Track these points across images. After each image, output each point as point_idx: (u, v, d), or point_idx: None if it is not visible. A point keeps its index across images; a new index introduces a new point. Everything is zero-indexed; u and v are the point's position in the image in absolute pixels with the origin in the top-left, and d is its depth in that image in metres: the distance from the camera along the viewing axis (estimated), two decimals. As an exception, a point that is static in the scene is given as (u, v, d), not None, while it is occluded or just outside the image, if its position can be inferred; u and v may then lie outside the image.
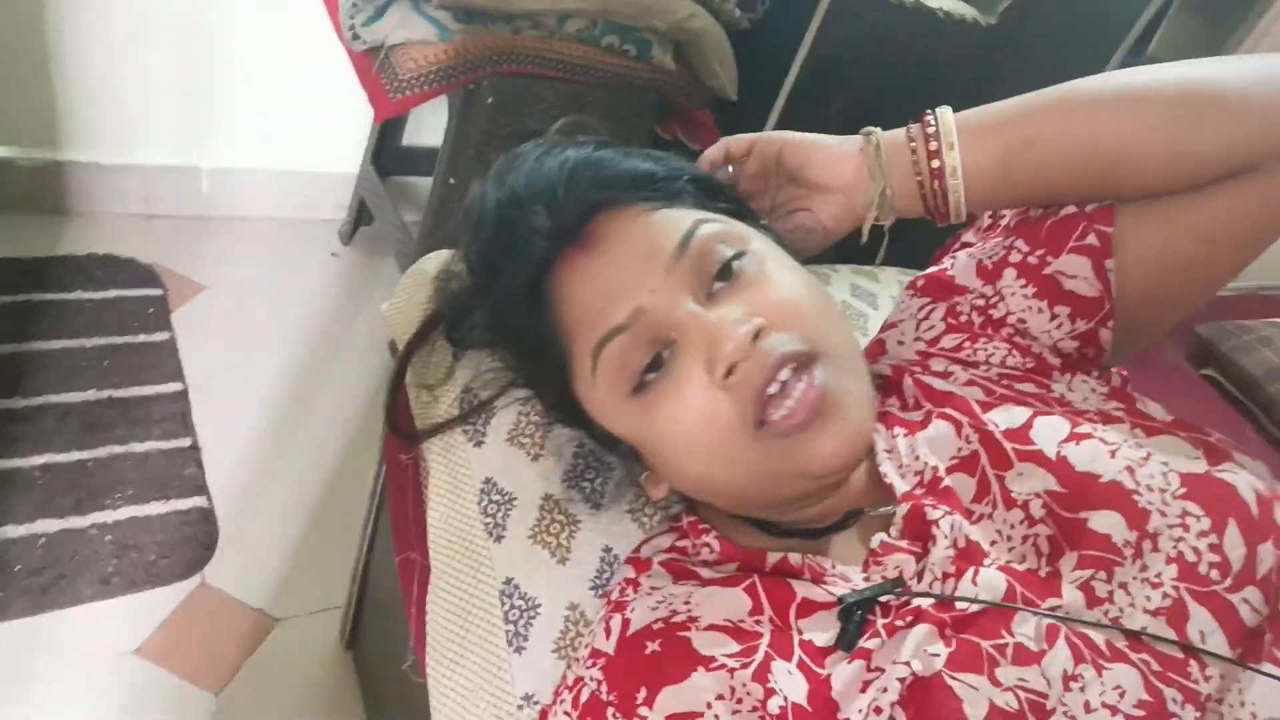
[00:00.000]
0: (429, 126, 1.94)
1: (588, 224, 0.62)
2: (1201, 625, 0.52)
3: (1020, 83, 1.82)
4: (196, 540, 1.33)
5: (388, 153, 1.91)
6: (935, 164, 0.64)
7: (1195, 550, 0.52)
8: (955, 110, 0.67)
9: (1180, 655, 0.51)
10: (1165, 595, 0.52)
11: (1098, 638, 0.52)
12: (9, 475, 1.32)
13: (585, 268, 0.62)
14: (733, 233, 0.61)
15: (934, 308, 0.72)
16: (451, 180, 1.51)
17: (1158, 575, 0.53)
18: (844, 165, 0.67)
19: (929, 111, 0.66)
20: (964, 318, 0.70)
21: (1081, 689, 0.50)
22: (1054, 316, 0.66)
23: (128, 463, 1.39)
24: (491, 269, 0.66)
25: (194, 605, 1.26)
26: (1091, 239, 0.65)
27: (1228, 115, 0.58)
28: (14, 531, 1.25)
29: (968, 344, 0.69)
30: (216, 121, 1.85)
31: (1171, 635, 0.51)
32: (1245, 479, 0.54)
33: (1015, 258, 0.68)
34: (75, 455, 1.38)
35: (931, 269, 0.74)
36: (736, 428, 0.56)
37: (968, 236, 0.75)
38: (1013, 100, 0.65)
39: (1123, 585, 0.53)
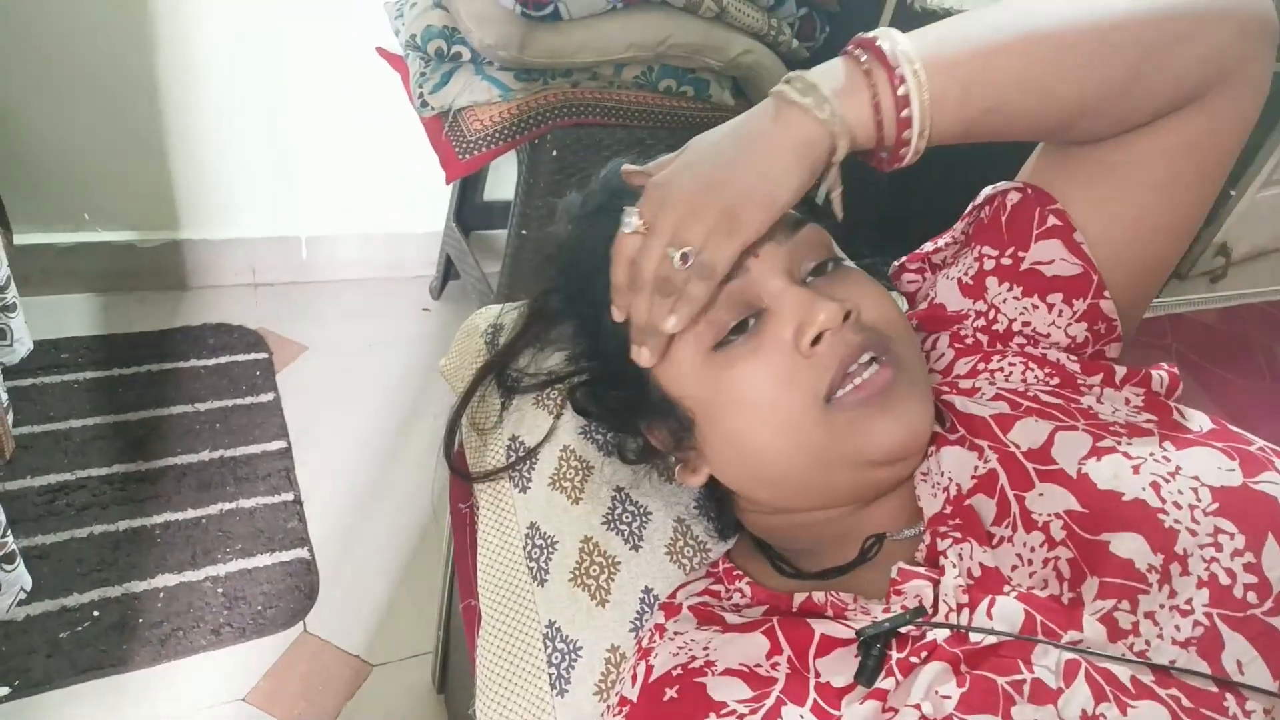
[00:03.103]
0: (507, 181, 2.01)
1: None
2: (1239, 654, 0.47)
3: None
4: (299, 590, 1.40)
5: (469, 209, 1.99)
6: (904, 152, 0.56)
7: (1229, 571, 0.48)
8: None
9: (1215, 689, 0.47)
10: (1196, 624, 0.48)
11: (1122, 674, 0.48)
12: (135, 534, 1.43)
13: None
14: (832, 243, 0.64)
15: (937, 337, 0.71)
16: (524, 231, 1.56)
17: (1188, 602, 0.48)
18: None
19: (876, 40, 0.54)
20: (970, 340, 0.69)
21: None
22: (1050, 307, 0.65)
23: (237, 518, 1.49)
24: (590, 221, 0.66)
25: (296, 652, 1.32)
26: (1052, 220, 0.63)
27: (1188, 49, 0.55)
28: (138, 587, 1.35)
29: (981, 365, 0.67)
30: (310, 193, 1.97)
31: (1204, 667, 0.47)
32: None
33: (989, 265, 0.67)
34: (191, 513, 1.48)
35: (921, 306, 0.73)
36: (809, 398, 0.57)
37: (908, 270, 0.76)
38: (966, 36, 0.55)
39: (1149, 615, 0.49)
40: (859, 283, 0.62)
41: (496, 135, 1.40)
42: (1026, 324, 0.66)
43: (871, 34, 0.55)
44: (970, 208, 0.71)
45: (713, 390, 0.60)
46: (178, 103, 1.75)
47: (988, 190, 0.69)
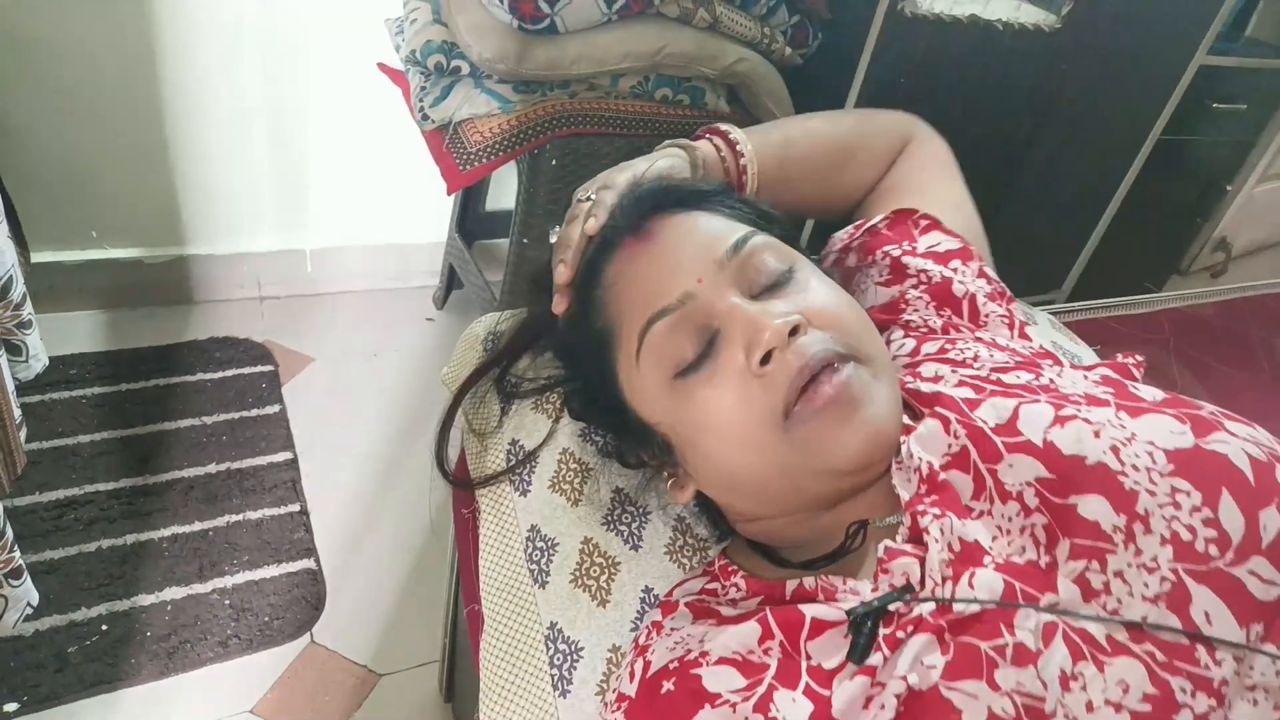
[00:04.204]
0: (509, 191, 2.02)
1: (647, 217, 0.67)
2: (1206, 606, 0.49)
3: (1088, 87, 1.81)
4: (305, 601, 1.41)
5: (472, 219, 2.00)
6: (742, 162, 0.82)
7: (1189, 528, 0.50)
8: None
9: (1186, 641, 0.49)
10: (1163, 579, 0.50)
11: (1097, 632, 0.50)
12: (142, 547, 1.43)
13: (642, 254, 0.66)
14: (784, 250, 0.66)
15: (889, 334, 0.75)
16: (525, 240, 1.57)
17: (1153, 559, 0.50)
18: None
19: (724, 128, 0.84)
20: (923, 328, 0.73)
21: (1083, 688, 0.49)
22: (955, 270, 0.77)
23: (244, 530, 1.50)
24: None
25: (304, 663, 1.33)
26: (923, 221, 0.81)
27: (876, 139, 0.92)
28: (145, 600, 1.36)
29: (948, 346, 0.70)
30: (314, 206, 1.99)
31: (1174, 621, 0.49)
32: (1238, 446, 0.52)
33: (896, 251, 0.79)
34: (198, 526, 1.49)
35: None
36: (767, 417, 0.59)
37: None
38: (775, 123, 0.91)
39: (1118, 574, 0.51)
40: (814, 289, 0.63)
41: (496, 147, 1.41)
42: (953, 272, 0.76)
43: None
44: (830, 253, 0.86)
45: (679, 417, 0.63)
46: (182, 120, 1.77)
47: (840, 234, 0.86)
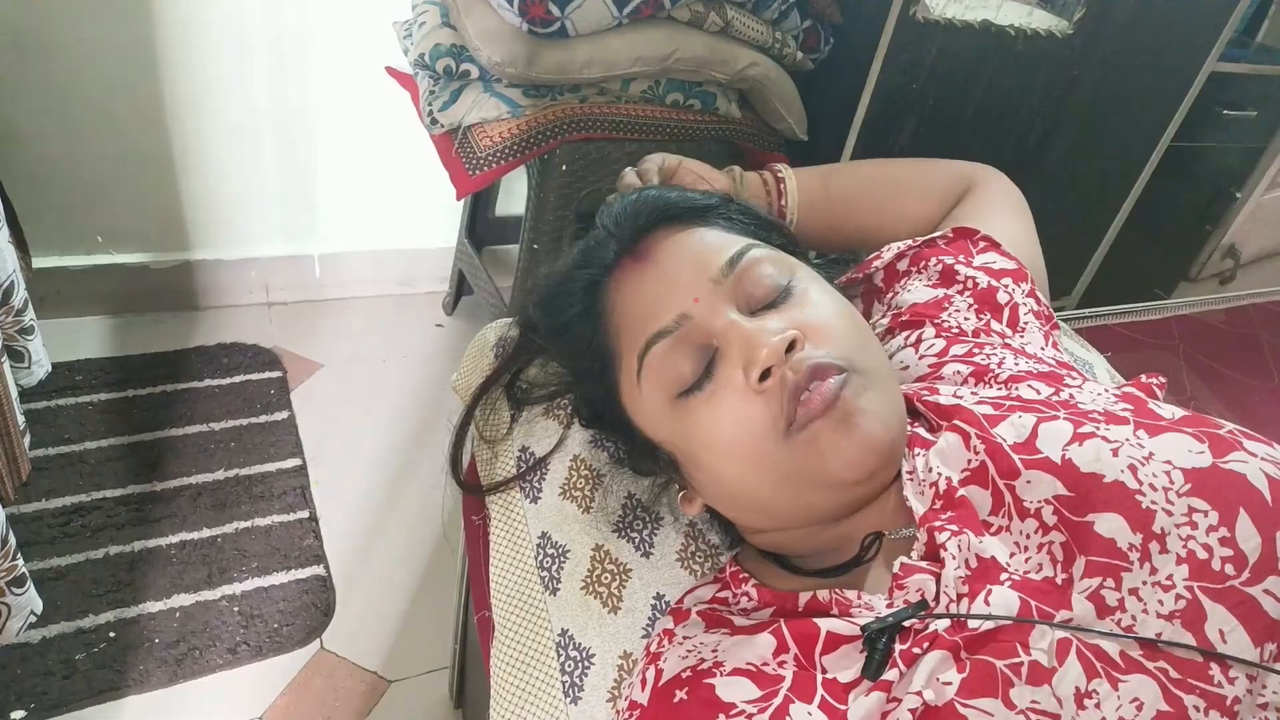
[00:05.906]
0: (519, 196, 2.02)
1: (644, 237, 0.68)
2: (1220, 624, 0.49)
3: (1101, 93, 1.81)
4: (315, 607, 1.40)
5: (481, 225, 2.00)
6: (780, 175, 0.90)
7: (1206, 547, 0.50)
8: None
9: (1200, 659, 0.49)
10: (1178, 597, 0.50)
11: (1111, 649, 0.50)
12: (150, 554, 1.43)
13: (639, 275, 0.66)
14: (782, 261, 0.65)
15: (921, 332, 0.75)
16: (535, 246, 1.56)
17: (1168, 577, 0.50)
18: (716, 182, 0.89)
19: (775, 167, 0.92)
20: (955, 329, 0.73)
21: (1097, 705, 0.48)
22: (1004, 287, 0.77)
23: (253, 536, 1.49)
24: (561, 281, 0.73)
25: (313, 669, 1.32)
26: (982, 242, 0.80)
27: (934, 177, 0.93)
28: (154, 606, 1.35)
29: (976, 350, 0.70)
30: (323, 212, 1.99)
31: (1188, 639, 0.49)
32: (1256, 466, 0.52)
33: (950, 260, 0.78)
34: (207, 532, 1.48)
35: (884, 319, 0.80)
36: (768, 432, 0.58)
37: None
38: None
39: (1133, 591, 0.51)
40: (814, 300, 0.63)
41: (506, 151, 1.41)
42: (1001, 286, 0.76)
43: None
44: (882, 257, 0.83)
45: (683, 436, 0.64)
46: (189, 125, 1.77)
47: (898, 244, 0.83)
